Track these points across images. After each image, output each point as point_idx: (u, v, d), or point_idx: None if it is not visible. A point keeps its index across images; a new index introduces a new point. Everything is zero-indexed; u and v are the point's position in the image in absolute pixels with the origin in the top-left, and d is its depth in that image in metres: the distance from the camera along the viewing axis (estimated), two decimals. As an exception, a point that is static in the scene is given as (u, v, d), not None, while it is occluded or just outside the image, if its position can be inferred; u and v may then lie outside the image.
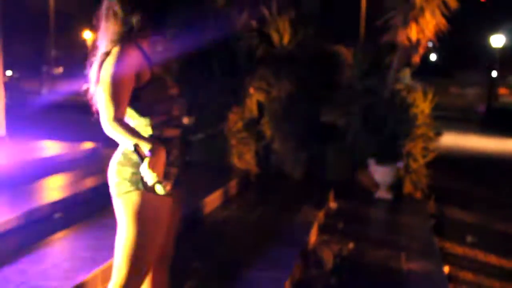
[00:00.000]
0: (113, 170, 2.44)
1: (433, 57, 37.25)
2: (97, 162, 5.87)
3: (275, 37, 7.79)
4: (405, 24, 7.47)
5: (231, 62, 7.43)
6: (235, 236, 5.09)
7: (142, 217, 2.40)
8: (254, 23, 7.67)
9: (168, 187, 2.34)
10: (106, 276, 3.29)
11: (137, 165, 2.35)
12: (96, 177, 5.27)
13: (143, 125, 2.42)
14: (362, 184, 7.73)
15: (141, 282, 2.53)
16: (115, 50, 2.37)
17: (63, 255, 3.78)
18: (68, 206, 4.48)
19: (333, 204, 6.83)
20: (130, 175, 2.38)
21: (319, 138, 7.80)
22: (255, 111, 7.71)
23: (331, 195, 6.96)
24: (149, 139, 2.27)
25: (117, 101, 2.31)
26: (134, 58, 2.38)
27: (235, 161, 7.39)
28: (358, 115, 7.75)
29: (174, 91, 2.54)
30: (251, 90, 7.66)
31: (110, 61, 2.35)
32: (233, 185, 6.55)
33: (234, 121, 7.50)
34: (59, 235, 4.06)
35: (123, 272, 2.47)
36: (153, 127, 2.43)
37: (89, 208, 4.41)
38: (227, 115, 7.46)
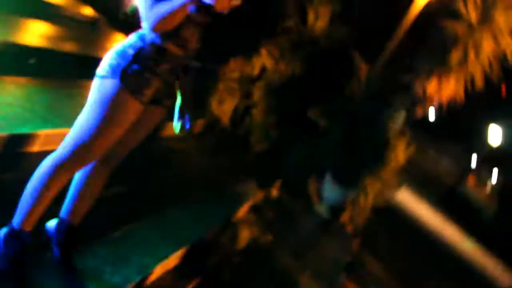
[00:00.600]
0: (108, 54, 2.48)
1: (431, 113, 37.39)
2: (93, 34, 5.73)
3: (310, 17, 7.67)
4: (428, 75, 7.43)
5: (258, 18, 7.29)
6: (177, 173, 5.07)
7: (109, 107, 2.42)
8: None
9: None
10: (48, 141, 3.25)
11: (128, 60, 2.41)
12: (85, 46, 5.14)
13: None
14: (309, 190, 7.76)
15: (78, 167, 2.52)
16: None
17: (18, 101, 3.68)
18: (46, 59, 4.35)
19: (275, 193, 6.85)
20: (117, 65, 2.41)
21: (297, 127, 7.78)
22: (255, 71, 7.62)
23: (278, 184, 6.98)
24: None
25: None
26: None
27: (213, 104, 7.29)
28: (341, 128, 7.74)
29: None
30: (263, 51, 7.56)
31: None
32: (199, 124, 6.50)
33: (232, 68, 7.40)
34: (23, 80, 3.96)
35: (67, 148, 2.46)
36: (160, 35, 2.43)
37: (65, 72, 4.28)
38: (228, 60, 7.36)
